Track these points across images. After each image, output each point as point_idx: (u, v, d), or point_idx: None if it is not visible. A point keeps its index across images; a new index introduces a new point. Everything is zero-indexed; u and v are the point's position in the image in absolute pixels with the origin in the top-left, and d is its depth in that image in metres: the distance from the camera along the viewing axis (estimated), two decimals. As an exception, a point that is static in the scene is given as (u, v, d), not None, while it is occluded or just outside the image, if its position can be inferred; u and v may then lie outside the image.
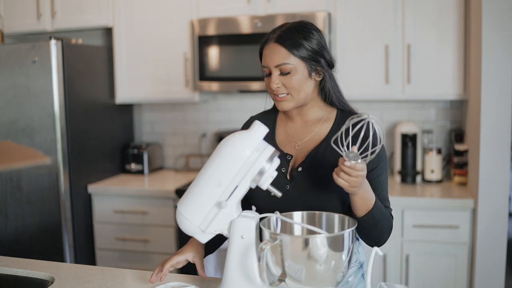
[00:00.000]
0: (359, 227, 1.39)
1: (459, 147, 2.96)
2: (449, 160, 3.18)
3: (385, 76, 2.94)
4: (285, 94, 1.49)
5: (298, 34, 1.49)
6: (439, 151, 3.04)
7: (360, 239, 1.57)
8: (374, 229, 1.43)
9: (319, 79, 1.53)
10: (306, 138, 1.56)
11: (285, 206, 1.44)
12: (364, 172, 1.30)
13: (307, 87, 1.50)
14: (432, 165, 3.03)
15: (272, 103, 1.64)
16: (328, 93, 1.55)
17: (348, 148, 1.29)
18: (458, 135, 3.06)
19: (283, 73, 1.48)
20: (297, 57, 1.47)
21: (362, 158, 1.28)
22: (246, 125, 1.67)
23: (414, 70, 2.91)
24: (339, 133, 1.31)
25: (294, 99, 1.50)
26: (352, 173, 1.28)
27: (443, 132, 3.23)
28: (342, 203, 1.47)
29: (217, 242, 1.59)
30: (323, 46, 1.51)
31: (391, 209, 1.52)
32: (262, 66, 1.53)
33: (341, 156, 1.29)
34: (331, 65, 1.54)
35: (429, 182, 3.04)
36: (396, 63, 2.93)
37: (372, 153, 1.29)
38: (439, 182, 3.04)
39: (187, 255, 1.51)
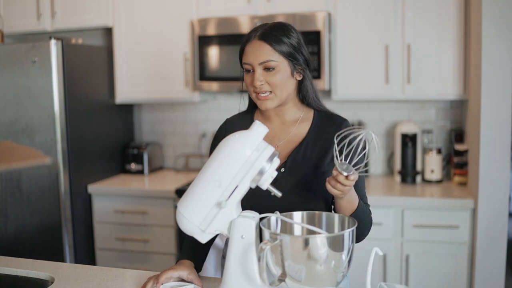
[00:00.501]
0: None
1: (459, 147, 2.96)
2: (449, 160, 3.18)
3: (385, 76, 2.94)
4: (268, 93, 1.50)
5: (280, 31, 1.51)
6: (439, 151, 3.04)
7: None
8: (356, 227, 1.44)
9: (300, 78, 1.55)
10: (285, 139, 1.57)
11: (270, 206, 1.43)
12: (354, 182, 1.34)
13: (289, 86, 1.52)
14: (432, 165, 3.03)
15: (247, 104, 1.67)
16: (307, 93, 1.57)
17: (343, 158, 1.33)
18: (458, 135, 3.06)
19: (267, 70, 1.49)
20: (280, 54, 1.49)
21: (355, 169, 1.32)
22: (222, 128, 1.66)
23: (414, 70, 2.91)
24: (336, 142, 1.33)
25: (277, 97, 1.51)
26: (346, 184, 1.32)
27: (443, 132, 3.23)
28: (326, 201, 1.53)
29: (203, 255, 1.59)
30: (302, 45, 1.54)
31: (369, 205, 1.58)
32: (244, 63, 1.52)
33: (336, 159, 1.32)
34: (309, 64, 1.56)
35: (429, 182, 3.04)
36: (396, 63, 2.93)
37: (365, 165, 1.34)
38: (439, 182, 3.04)
39: (181, 273, 1.45)
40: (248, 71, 1.52)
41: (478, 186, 2.58)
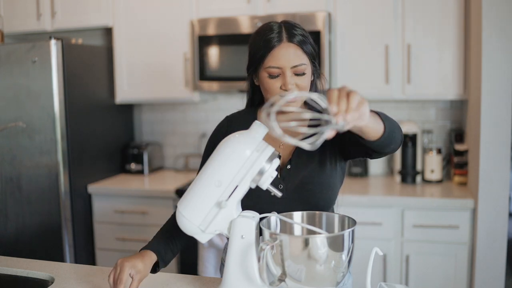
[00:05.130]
0: (376, 147, 1.30)
1: (459, 147, 2.96)
2: (449, 160, 3.18)
3: (385, 76, 2.94)
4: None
5: (305, 33, 1.49)
6: (439, 151, 3.04)
7: None
8: (392, 140, 1.33)
9: (312, 79, 1.55)
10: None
11: (282, 204, 1.46)
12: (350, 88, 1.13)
13: (308, 88, 1.52)
14: (432, 165, 3.03)
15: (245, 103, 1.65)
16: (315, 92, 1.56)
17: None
18: (458, 135, 3.06)
19: (298, 74, 1.46)
20: (308, 57, 1.48)
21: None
22: (223, 125, 1.64)
23: (414, 70, 2.91)
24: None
25: (301, 100, 1.51)
26: (348, 96, 1.10)
27: (443, 132, 3.23)
28: (334, 191, 1.53)
29: (172, 251, 1.52)
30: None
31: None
32: (271, 67, 1.45)
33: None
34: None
35: (429, 182, 3.04)
36: (396, 63, 2.93)
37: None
38: (439, 182, 3.04)
39: (131, 271, 1.38)
40: (274, 76, 1.46)
41: (478, 186, 2.58)
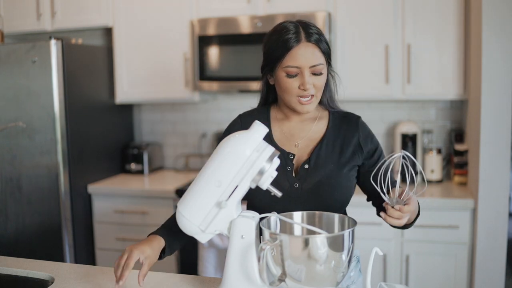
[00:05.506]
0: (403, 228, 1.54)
1: (459, 147, 2.96)
2: (449, 160, 3.18)
3: (385, 76, 2.94)
4: (310, 97, 1.49)
5: (320, 31, 1.51)
6: (439, 151, 3.04)
7: None
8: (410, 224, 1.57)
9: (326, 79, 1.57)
10: (305, 137, 1.58)
11: (295, 203, 1.49)
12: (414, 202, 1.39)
13: (324, 88, 1.54)
14: (432, 165, 3.03)
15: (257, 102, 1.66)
16: (325, 93, 1.58)
17: (387, 187, 1.38)
18: (458, 135, 3.06)
19: (315, 74, 1.48)
20: (324, 56, 1.50)
21: (404, 200, 1.35)
22: (237, 122, 1.65)
23: (414, 70, 2.91)
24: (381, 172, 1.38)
25: (317, 100, 1.52)
26: (403, 216, 1.35)
27: (443, 132, 3.23)
28: (349, 194, 1.56)
29: (178, 242, 1.52)
30: None
31: None
32: (289, 66, 1.46)
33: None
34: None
35: (429, 182, 3.04)
36: (396, 63, 2.93)
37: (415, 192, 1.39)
38: (439, 182, 3.04)
39: (141, 256, 1.39)
40: (292, 75, 1.47)
41: (478, 186, 2.58)
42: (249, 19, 3.02)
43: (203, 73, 3.14)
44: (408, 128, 3.04)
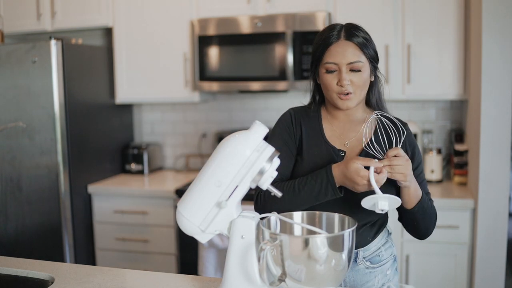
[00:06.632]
0: (409, 219, 1.57)
1: (459, 147, 2.96)
2: (449, 160, 3.18)
3: (385, 76, 2.94)
4: (350, 93, 1.52)
5: (364, 33, 1.56)
6: (439, 151, 3.04)
7: (391, 233, 1.71)
8: (423, 220, 1.56)
9: (372, 80, 1.60)
10: (354, 137, 1.60)
11: (337, 206, 1.50)
12: (407, 157, 1.44)
13: (366, 87, 1.57)
14: (432, 165, 3.03)
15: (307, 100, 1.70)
16: (374, 95, 1.62)
17: (382, 151, 1.46)
18: (458, 135, 3.06)
19: (354, 71, 1.51)
20: (366, 56, 1.54)
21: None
22: (289, 115, 1.66)
23: (414, 70, 2.91)
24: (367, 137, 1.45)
25: (356, 97, 1.54)
26: (400, 160, 1.40)
27: (443, 132, 3.23)
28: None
29: None
30: (376, 48, 1.60)
31: (432, 201, 1.64)
32: (328, 62, 1.52)
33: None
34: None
35: (429, 182, 3.04)
36: (396, 63, 2.93)
37: (398, 141, 1.47)
38: (439, 182, 3.04)
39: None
40: (331, 71, 1.53)
41: (478, 186, 2.58)
42: (249, 19, 3.02)
43: (203, 73, 3.14)
44: (408, 128, 3.04)
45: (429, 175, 3.03)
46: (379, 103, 1.64)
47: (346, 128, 1.62)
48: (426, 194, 1.60)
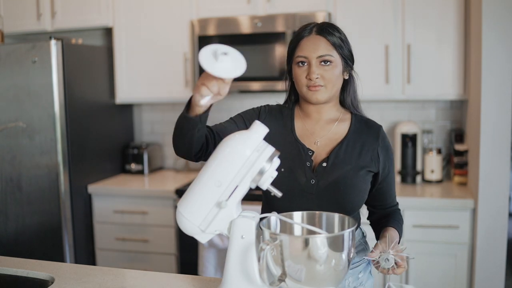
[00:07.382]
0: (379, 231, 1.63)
1: (459, 147, 2.96)
2: (449, 160, 3.18)
3: (385, 76, 2.94)
4: (320, 86, 1.53)
5: (336, 30, 1.56)
6: (439, 151, 3.04)
7: (366, 235, 1.70)
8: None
9: (346, 78, 1.60)
10: (325, 136, 1.60)
11: (309, 200, 1.52)
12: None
13: (338, 83, 1.57)
14: (432, 165, 3.03)
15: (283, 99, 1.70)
16: (348, 94, 1.62)
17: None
18: (458, 135, 3.06)
19: (323, 64, 1.52)
20: (337, 52, 1.54)
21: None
22: (263, 109, 1.67)
23: (414, 70, 2.91)
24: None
25: (328, 91, 1.54)
26: (405, 263, 1.47)
27: (443, 132, 3.23)
28: (363, 197, 1.58)
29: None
30: (350, 46, 1.60)
31: (399, 209, 1.70)
32: (299, 56, 1.54)
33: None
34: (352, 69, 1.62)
35: (429, 182, 3.04)
36: (396, 63, 2.93)
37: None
38: (439, 182, 3.04)
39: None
40: (301, 63, 1.54)
41: (478, 186, 2.58)
42: (249, 19, 3.02)
43: (203, 73, 3.13)
44: (408, 128, 3.04)
45: (429, 175, 3.03)
46: (354, 103, 1.64)
47: (319, 127, 1.62)
48: (394, 205, 1.70)
